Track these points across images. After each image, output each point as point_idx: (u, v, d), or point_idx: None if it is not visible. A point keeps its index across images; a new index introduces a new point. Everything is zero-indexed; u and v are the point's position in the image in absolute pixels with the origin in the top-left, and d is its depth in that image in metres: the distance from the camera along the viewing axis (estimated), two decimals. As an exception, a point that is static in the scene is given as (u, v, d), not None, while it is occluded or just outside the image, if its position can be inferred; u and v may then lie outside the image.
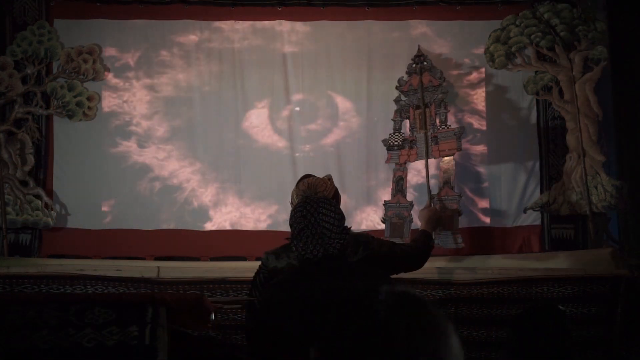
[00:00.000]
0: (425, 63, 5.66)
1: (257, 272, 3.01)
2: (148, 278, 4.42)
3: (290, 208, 3.10)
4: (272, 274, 2.93)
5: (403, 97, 5.62)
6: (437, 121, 5.47)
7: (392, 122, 6.10)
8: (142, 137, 6.66)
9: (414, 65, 5.65)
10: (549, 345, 2.57)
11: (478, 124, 6.83)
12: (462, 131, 5.47)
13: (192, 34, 6.76)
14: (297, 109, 6.70)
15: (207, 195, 6.61)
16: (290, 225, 2.64)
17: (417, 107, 5.56)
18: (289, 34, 6.80)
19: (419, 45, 5.98)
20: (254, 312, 2.95)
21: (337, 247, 2.56)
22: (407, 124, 6.08)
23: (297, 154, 6.67)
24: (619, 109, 6.78)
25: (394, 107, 6.23)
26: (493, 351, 4.37)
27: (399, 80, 5.68)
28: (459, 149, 5.75)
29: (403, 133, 5.61)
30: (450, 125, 5.72)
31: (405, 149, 5.60)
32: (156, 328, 2.61)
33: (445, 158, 5.73)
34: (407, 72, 5.70)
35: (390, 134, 5.66)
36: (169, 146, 6.67)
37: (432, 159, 5.88)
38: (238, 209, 6.61)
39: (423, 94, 5.53)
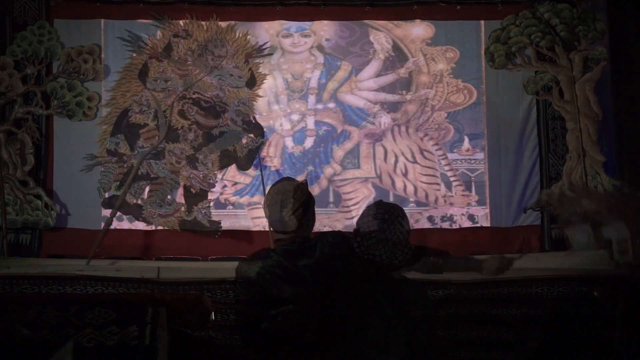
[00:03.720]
0: None
1: (235, 281, 3.00)
2: (148, 278, 4.40)
3: (264, 212, 3.10)
4: (246, 281, 2.91)
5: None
6: None
7: None
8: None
9: None
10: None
11: (478, 124, 6.84)
12: None
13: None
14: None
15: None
16: (363, 223, 2.65)
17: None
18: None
19: None
20: (248, 317, 2.93)
21: (399, 259, 2.58)
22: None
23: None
24: (619, 109, 6.79)
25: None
26: (493, 351, 4.36)
27: None
28: None
29: None
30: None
31: None
32: (156, 328, 2.60)
33: None
34: None
35: None
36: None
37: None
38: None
39: None
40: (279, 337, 2.62)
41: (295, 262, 2.85)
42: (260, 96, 6.55)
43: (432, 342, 4.28)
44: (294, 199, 2.89)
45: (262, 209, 6.45)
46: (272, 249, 2.98)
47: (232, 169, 6.67)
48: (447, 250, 3.20)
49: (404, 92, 6.90)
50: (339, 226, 6.57)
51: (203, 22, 6.58)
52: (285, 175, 6.71)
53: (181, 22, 6.59)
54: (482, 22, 6.90)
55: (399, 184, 6.80)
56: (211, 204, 6.42)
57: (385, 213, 2.63)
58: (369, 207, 2.72)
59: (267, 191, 3.04)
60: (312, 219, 2.97)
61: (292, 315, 2.57)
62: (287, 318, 2.60)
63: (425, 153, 6.83)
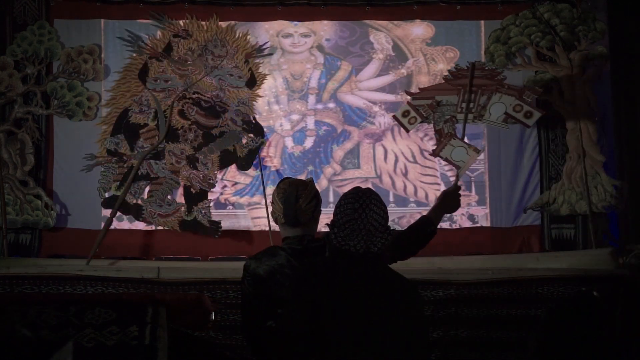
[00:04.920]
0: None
1: (242, 278, 3.00)
2: (148, 278, 4.41)
3: (270, 211, 3.09)
4: (254, 278, 2.92)
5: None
6: None
7: None
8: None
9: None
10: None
11: (478, 124, 6.84)
12: None
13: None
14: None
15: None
16: (336, 214, 2.64)
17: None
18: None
19: None
20: (254, 314, 2.93)
21: (378, 245, 2.58)
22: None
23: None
24: (619, 109, 6.79)
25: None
26: (493, 351, 4.37)
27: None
28: None
29: None
30: None
31: None
32: (156, 328, 2.61)
33: None
34: None
35: None
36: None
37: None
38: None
39: None
40: (283, 336, 2.62)
41: (304, 261, 2.86)
42: (260, 96, 6.54)
43: (432, 342, 4.29)
44: (309, 190, 2.96)
45: (265, 209, 6.46)
46: (281, 247, 2.99)
47: (232, 169, 6.66)
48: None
49: (404, 92, 6.90)
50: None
51: (203, 22, 6.57)
52: (285, 176, 6.72)
53: (181, 22, 6.58)
54: (482, 22, 6.91)
55: (399, 184, 6.81)
56: (211, 204, 6.41)
57: (356, 202, 2.62)
58: (341, 198, 2.71)
59: (275, 188, 3.07)
60: (319, 216, 3.02)
61: (295, 315, 2.57)
62: (289, 318, 2.60)
63: (425, 153, 6.84)
